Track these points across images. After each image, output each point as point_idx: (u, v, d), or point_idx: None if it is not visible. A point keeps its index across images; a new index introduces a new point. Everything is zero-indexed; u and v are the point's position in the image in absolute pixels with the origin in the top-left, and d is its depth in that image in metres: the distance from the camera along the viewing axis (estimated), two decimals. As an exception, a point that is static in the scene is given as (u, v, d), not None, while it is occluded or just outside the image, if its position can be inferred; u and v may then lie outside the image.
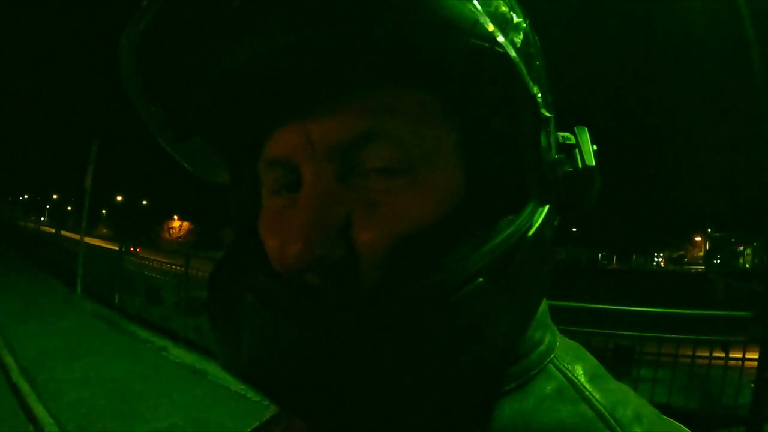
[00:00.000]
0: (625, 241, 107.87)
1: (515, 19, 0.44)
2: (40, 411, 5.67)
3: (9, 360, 7.37)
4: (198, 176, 0.61)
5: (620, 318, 5.57)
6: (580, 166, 0.50)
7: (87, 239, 14.70)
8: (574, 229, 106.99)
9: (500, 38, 0.41)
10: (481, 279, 0.42)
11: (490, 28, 0.40)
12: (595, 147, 0.53)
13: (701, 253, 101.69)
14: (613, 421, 0.48)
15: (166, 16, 0.44)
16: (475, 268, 0.43)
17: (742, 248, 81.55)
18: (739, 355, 5.16)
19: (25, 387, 6.39)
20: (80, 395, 6.17)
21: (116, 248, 13.50)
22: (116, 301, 11.84)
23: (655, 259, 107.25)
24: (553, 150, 0.50)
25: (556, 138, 0.52)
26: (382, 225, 0.46)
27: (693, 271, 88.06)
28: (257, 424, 0.81)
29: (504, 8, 0.44)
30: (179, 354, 8.43)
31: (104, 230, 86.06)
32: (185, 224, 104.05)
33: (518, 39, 0.44)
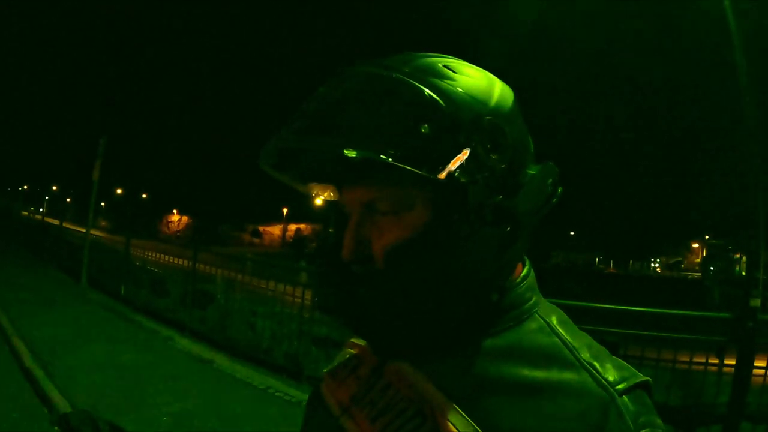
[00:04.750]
0: (623, 245, 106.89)
1: (413, 131, 0.75)
2: (54, 394, 5.87)
3: (21, 346, 7.57)
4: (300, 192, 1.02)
5: (607, 316, 5.72)
6: (515, 204, 0.83)
7: (84, 230, 14.91)
8: (572, 233, 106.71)
9: (371, 153, 0.73)
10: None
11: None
12: (550, 180, 0.87)
13: (698, 260, 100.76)
14: (572, 347, 0.82)
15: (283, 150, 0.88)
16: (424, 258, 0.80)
17: (738, 255, 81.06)
18: (729, 359, 5.34)
19: (38, 372, 6.57)
20: (92, 380, 6.38)
21: (117, 240, 13.64)
22: (122, 292, 12.02)
23: (652, 265, 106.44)
24: (497, 192, 0.82)
25: (512, 180, 0.83)
26: (382, 240, 0.83)
27: (689, 277, 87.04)
28: (333, 365, 1.09)
29: (393, 126, 0.76)
30: (185, 344, 8.62)
31: (103, 222, 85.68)
32: (184, 218, 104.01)
33: (405, 144, 0.75)
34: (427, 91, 0.77)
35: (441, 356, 0.85)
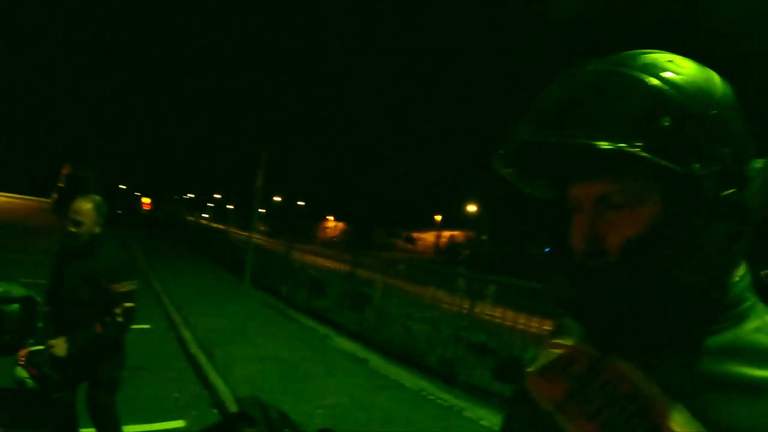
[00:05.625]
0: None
1: (655, 124, 0.76)
2: (216, 380, 6.20)
3: (187, 334, 8.12)
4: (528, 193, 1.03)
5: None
6: (745, 198, 0.81)
7: (246, 233, 15.66)
8: None
9: (621, 147, 0.73)
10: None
11: (602, 147, 0.73)
12: None
13: None
14: None
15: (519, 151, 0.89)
16: (660, 252, 0.80)
17: None
18: None
19: (202, 358, 7.01)
20: (252, 370, 6.69)
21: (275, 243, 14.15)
22: (283, 291, 12.51)
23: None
24: (728, 185, 0.80)
25: (740, 173, 0.81)
26: (616, 234, 0.82)
27: None
28: (538, 364, 1.07)
29: (638, 119, 0.76)
30: (342, 342, 8.83)
31: (262, 227, 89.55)
32: (339, 225, 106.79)
33: (650, 137, 0.74)
34: (664, 85, 0.78)
35: (662, 353, 0.84)
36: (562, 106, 0.81)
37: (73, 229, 3.34)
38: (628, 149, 0.73)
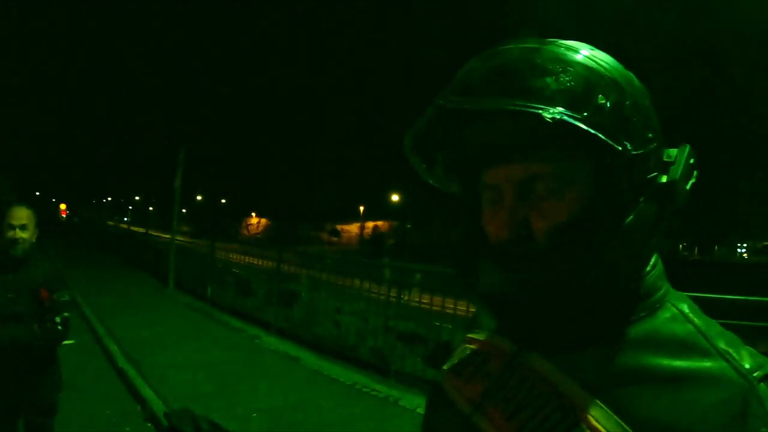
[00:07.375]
0: (707, 231, 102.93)
1: (593, 99, 0.73)
2: (147, 392, 6.07)
3: (113, 347, 7.89)
4: (437, 187, 0.98)
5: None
6: (669, 179, 0.81)
7: (168, 236, 15.40)
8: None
9: (566, 117, 0.69)
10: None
11: (548, 115, 0.68)
12: (692, 160, 0.84)
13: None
14: (706, 335, 0.79)
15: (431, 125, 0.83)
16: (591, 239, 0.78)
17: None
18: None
19: (131, 371, 6.83)
20: (183, 378, 6.58)
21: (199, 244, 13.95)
22: (209, 293, 12.29)
23: (739, 250, 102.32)
24: (652, 169, 0.81)
25: (659, 158, 0.82)
26: (544, 219, 0.79)
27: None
28: (453, 361, 1.04)
29: (577, 93, 0.73)
30: (272, 342, 8.76)
31: (185, 228, 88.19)
32: (263, 221, 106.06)
33: (590, 111, 0.72)
34: (597, 64, 0.77)
35: (577, 347, 0.83)
36: (491, 77, 0.76)
37: (18, 236, 3.15)
38: (573, 121, 0.69)
